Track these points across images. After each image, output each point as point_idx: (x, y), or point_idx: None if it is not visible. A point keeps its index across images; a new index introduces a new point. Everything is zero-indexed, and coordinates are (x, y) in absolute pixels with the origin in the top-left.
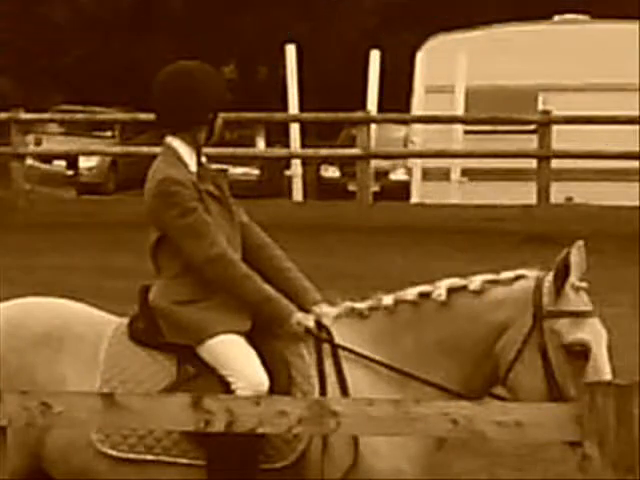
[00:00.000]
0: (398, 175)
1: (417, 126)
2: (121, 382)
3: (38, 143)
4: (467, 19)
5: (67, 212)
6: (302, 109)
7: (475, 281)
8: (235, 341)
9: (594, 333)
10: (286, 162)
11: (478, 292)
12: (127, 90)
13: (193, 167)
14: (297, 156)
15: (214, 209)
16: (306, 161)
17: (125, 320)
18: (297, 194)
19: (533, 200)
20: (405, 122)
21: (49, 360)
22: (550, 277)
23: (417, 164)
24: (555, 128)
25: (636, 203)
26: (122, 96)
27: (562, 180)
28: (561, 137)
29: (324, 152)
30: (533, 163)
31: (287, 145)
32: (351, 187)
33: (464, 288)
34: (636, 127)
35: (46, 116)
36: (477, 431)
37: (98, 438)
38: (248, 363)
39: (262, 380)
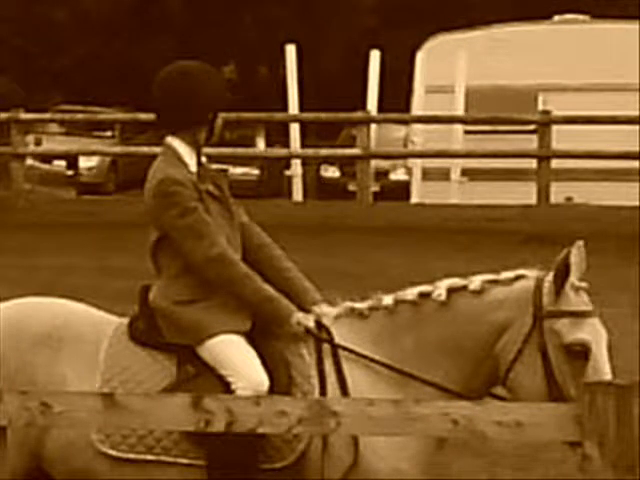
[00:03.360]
0: (398, 175)
1: (417, 126)
2: (121, 382)
3: (38, 143)
4: (467, 19)
5: (67, 212)
6: (302, 109)
7: (475, 281)
8: (235, 341)
9: (594, 333)
10: (286, 162)
11: (478, 292)
12: (127, 90)
13: (193, 167)
14: (297, 156)
15: (214, 209)
16: (306, 161)
17: (125, 320)
18: (297, 194)
19: (533, 200)
20: (405, 122)
21: (49, 360)
22: (550, 277)
23: (417, 164)
24: (555, 128)
25: (636, 203)
26: (122, 96)
27: (562, 180)
28: (561, 137)
29: (324, 152)
30: (533, 163)
31: (287, 145)
32: (351, 187)
33: (464, 288)
34: (636, 127)
35: (46, 116)
36: (477, 431)
37: (98, 438)
38: (248, 363)
39: (262, 380)
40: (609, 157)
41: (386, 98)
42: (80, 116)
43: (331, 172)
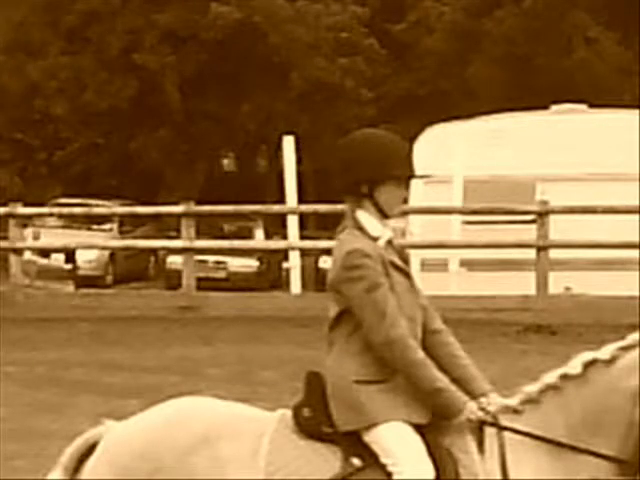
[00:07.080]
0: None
1: (415, 217)
2: (284, 476)
3: (36, 237)
4: (464, 110)
5: (65, 306)
6: (300, 200)
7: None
8: (404, 430)
9: None
10: (285, 253)
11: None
12: (126, 182)
13: (382, 238)
14: (295, 248)
15: (401, 282)
16: (305, 253)
17: (288, 412)
18: (295, 286)
19: (532, 290)
20: (403, 213)
21: (209, 459)
22: None
23: (415, 255)
24: (553, 218)
25: (635, 293)
26: (121, 188)
27: (560, 270)
28: (559, 227)
29: (323, 244)
30: (532, 253)
31: (286, 236)
32: None
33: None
34: (635, 217)
35: (44, 210)
36: None
37: None
38: (416, 454)
39: (428, 473)
40: (608, 247)
41: None
42: (78, 210)
43: (330, 263)
